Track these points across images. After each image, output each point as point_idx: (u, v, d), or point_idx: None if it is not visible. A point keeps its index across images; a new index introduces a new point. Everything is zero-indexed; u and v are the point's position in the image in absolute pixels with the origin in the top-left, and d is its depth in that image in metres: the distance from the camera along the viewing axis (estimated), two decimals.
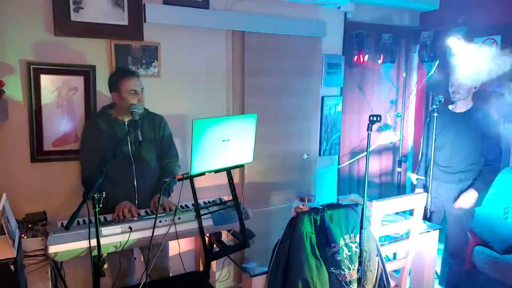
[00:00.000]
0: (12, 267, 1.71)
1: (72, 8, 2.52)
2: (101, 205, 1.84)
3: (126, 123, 2.39)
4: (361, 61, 3.59)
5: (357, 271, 2.06)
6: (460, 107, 2.95)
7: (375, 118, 1.97)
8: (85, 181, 2.37)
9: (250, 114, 2.28)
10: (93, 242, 1.89)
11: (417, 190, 3.20)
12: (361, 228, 1.99)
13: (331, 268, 2.07)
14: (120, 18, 2.67)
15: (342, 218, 2.16)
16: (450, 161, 2.94)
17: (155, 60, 2.81)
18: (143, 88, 2.39)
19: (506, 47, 2.87)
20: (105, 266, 1.91)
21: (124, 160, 2.35)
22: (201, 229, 2.22)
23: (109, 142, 2.31)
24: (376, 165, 4.06)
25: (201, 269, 2.81)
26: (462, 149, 2.89)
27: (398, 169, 3.92)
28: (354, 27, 3.61)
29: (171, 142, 2.59)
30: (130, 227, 2.09)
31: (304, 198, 2.50)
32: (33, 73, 2.47)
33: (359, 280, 2.05)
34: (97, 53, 2.64)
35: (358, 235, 2.10)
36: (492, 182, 3.02)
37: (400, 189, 3.98)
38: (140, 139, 2.12)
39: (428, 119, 2.98)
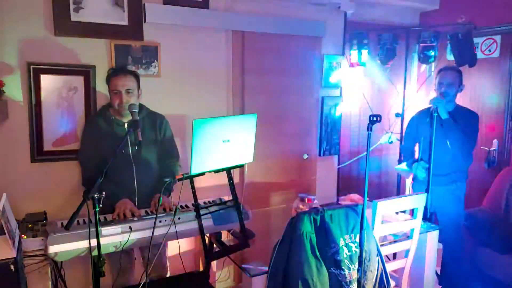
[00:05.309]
0: (12, 267, 1.71)
1: (72, 8, 2.52)
2: (101, 205, 1.84)
3: (126, 123, 2.39)
4: (361, 61, 3.59)
5: (357, 271, 2.06)
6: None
7: (375, 118, 1.97)
8: (86, 182, 2.36)
9: (250, 114, 2.28)
10: (93, 242, 1.89)
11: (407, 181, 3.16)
12: (361, 228, 1.99)
13: (331, 268, 2.07)
14: (120, 18, 2.67)
15: (342, 218, 2.15)
16: (439, 163, 2.90)
17: (155, 60, 2.81)
18: (128, 89, 2.30)
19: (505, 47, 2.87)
20: (105, 266, 1.91)
21: (124, 161, 2.35)
22: (201, 229, 2.23)
23: (109, 142, 2.31)
24: (376, 165, 4.06)
25: (201, 269, 2.81)
26: (451, 149, 2.87)
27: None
28: (354, 26, 3.61)
29: (172, 142, 2.59)
30: (130, 227, 2.09)
31: (304, 198, 2.50)
32: (33, 73, 2.47)
33: (359, 280, 2.05)
34: (97, 53, 2.64)
35: (358, 235, 2.10)
36: None
37: (400, 189, 3.99)
38: (140, 139, 2.12)
39: (428, 119, 2.96)
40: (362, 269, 2.03)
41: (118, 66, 2.63)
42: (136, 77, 2.39)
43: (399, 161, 3.89)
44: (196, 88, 3.00)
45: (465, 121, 2.84)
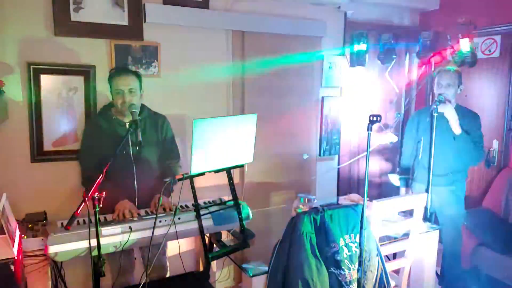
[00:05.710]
0: (12, 267, 1.71)
1: (72, 8, 2.52)
2: (101, 205, 1.84)
3: (127, 123, 2.39)
4: (362, 61, 3.59)
5: (357, 271, 2.06)
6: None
7: (375, 118, 1.97)
8: (86, 181, 2.36)
9: (250, 114, 2.28)
10: (93, 242, 1.89)
11: (402, 190, 3.19)
12: (361, 228, 1.99)
13: (331, 268, 2.07)
14: (120, 18, 2.67)
15: (342, 218, 2.15)
16: (438, 163, 2.87)
17: (155, 60, 2.81)
18: (131, 89, 2.29)
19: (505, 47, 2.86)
20: (105, 266, 1.91)
21: (125, 161, 2.35)
22: (201, 229, 2.22)
23: (110, 142, 2.30)
24: (376, 165, 4.06)
25: (201, 269, 2.81)
26: (450, 150, 2.86)
27: (398, 169, 3.92)
28: (354, 27, 3.61)
29: (173, 142, 2.58)
30: (130, 227, 2.09)
31: (304, 198, 2.49)
32: (33, 73, 2.47)
33: (359, 280, 2.05)
34: (97, 53, 2.64)
35: (358, 235, 2.10)
36: None
37: (400, 189, 3.98)
38: (140, 139, 2.12)
39: (429, 119, 2.95)
40: (362, 269, 2.03)
41: (118, 66, 2.63)
42: (138, 77, 2.39)
43: (399, 162, 3.89)
44: (196, 88, 3.00)
45: (468, 123, 2.82)
